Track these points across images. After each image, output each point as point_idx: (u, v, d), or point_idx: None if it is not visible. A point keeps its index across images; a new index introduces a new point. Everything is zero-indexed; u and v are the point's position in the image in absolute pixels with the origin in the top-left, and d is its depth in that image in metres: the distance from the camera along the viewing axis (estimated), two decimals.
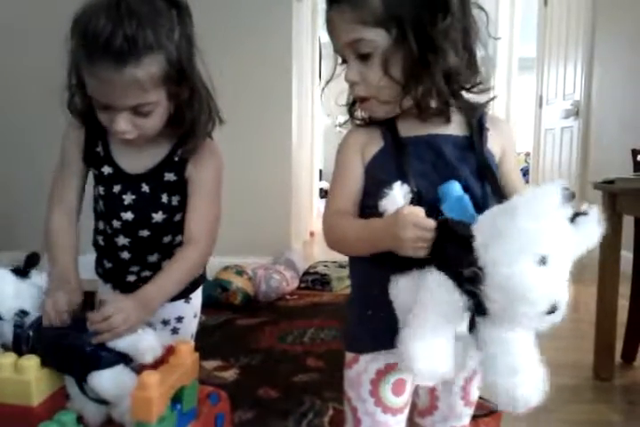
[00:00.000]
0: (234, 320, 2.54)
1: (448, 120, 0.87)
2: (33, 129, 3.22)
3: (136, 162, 1.07)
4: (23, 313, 0.88)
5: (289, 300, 2.90)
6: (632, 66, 3.54)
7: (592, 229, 0.65)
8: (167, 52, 0.93)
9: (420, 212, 0.74)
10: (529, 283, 0.61)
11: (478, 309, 0.68)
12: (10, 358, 0.78)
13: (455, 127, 0.89)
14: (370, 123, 0.92)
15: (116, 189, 1.08)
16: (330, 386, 1.77)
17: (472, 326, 0.70)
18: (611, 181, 1.82)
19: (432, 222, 0.72)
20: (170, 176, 1.07)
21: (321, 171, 6.91)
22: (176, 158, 1.07)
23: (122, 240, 1.10)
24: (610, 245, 1.84)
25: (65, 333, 0.85)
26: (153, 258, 1.12)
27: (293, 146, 3.47)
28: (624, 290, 1.97)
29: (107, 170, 1.08)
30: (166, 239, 1.11)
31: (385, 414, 0.90)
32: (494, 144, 0.89)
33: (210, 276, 1.72)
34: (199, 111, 1.03)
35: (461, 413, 0.97)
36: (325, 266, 3.27)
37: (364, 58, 0.84)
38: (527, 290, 0.61)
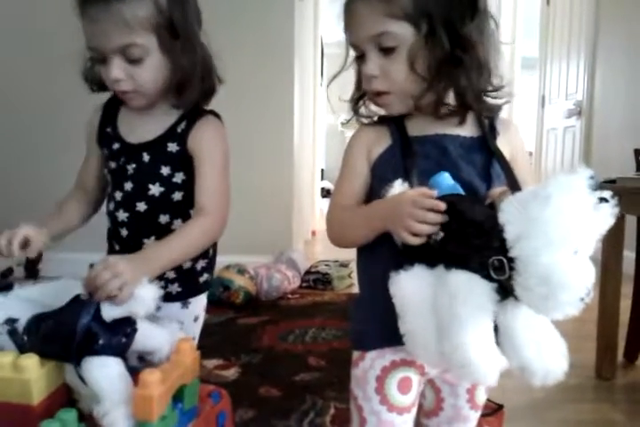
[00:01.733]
0: (235, 319, 2.54)
1: (463, 120, 0.88)
2: (35, 132, 3.23)
3: (141, 134, 1.10)
4: (12, 320, 0.86)
5: (290, 299, 2.90)
6: (635, 65, 3.53)
7: (608, 213, 0.67)
8: (155, 0, 0.99)
9: (428, 192, 0.75)
10: (570, 272, 0.63)
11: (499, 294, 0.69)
12: (9, 356, 0.78)
13: (464, 128, 0.89)
14: (379, 121, 0.93)
15: (122, 161, 1.11)
16: (331, 385, 1.78)
17: None
18: (613, 181, 1.82)
19: (436, 202, 0.73)
20: (172, 146, 1.08)
21: (323, 170, 6.91)
22: (179, 130, 1.08)
23: (121, 215, 1.11)
24: (612, 244, 1.83)
25: (62, 315, 0.83)
26: (149, 242, 1.11)
27: (295, 145, 3.47)
28: (626, 290, 1.97)
29: (116, 146, 1.11)
30: (163, 219, 1.10)
31: (390, 412, 0.88)
32: (503, 148, 0.89)
33: None
34: (193, 65, 1.04)
35: (467, 416, 0.96)
36: (327, 265, 3.27)
37: (387, 52, 0.84)
38: (570, 279, 0.63)
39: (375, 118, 0.94)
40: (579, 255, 0.64)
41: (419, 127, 0.89)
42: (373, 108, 0.94)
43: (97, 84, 1.11)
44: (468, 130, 0.89)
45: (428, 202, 0.73)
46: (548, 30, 4.83)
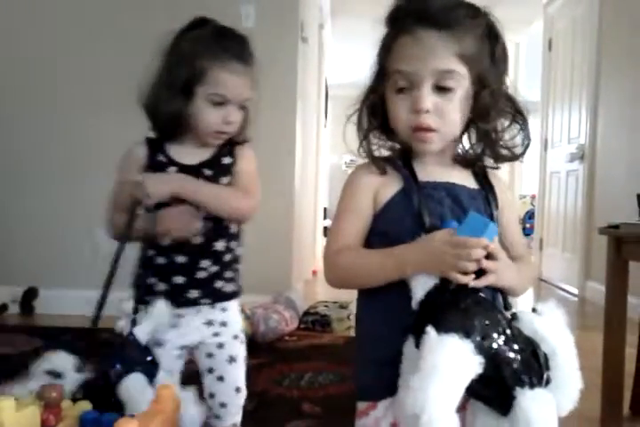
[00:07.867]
0: None
1: (473, 169, 0.94)
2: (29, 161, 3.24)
3: (194, 157, 1.23)
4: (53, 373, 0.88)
5: (288, 341, 2.84)
6: (637, 109, 3.55)
7: None
8: None
9: (453, 234, 0.79)
10: None
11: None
12: None
13: (468, 179, 0.93)
14: (383, 162, 0.92)
15: None
16: None
17: None
18: (616, 226, 1.79)
19: (476, 240, 0.77)
20: (226, 159, 1.26)
21: (325, 209, 6.92)
22: (227, 148, 1.27)
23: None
24: (616, 290, 1.80)
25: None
26: (205, 263, 1.29)
27: (296, 184, 3.46)
28: (631, 338, 1.91)
29: (172, 169, 1.22)
30: (218, 244, 1.30)
31: None
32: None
33: None
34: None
35: None
36: (326, 306, 3.21)
37: (443, 91, 0.84)
38: None
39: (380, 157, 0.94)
40: None
41: (427, 173, 0.90)
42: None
43: (170, 124, 1.22)
44: (470, 182, 0.92)
45: (470, 241, 0.77)
46: (550, 74, 4.90)
